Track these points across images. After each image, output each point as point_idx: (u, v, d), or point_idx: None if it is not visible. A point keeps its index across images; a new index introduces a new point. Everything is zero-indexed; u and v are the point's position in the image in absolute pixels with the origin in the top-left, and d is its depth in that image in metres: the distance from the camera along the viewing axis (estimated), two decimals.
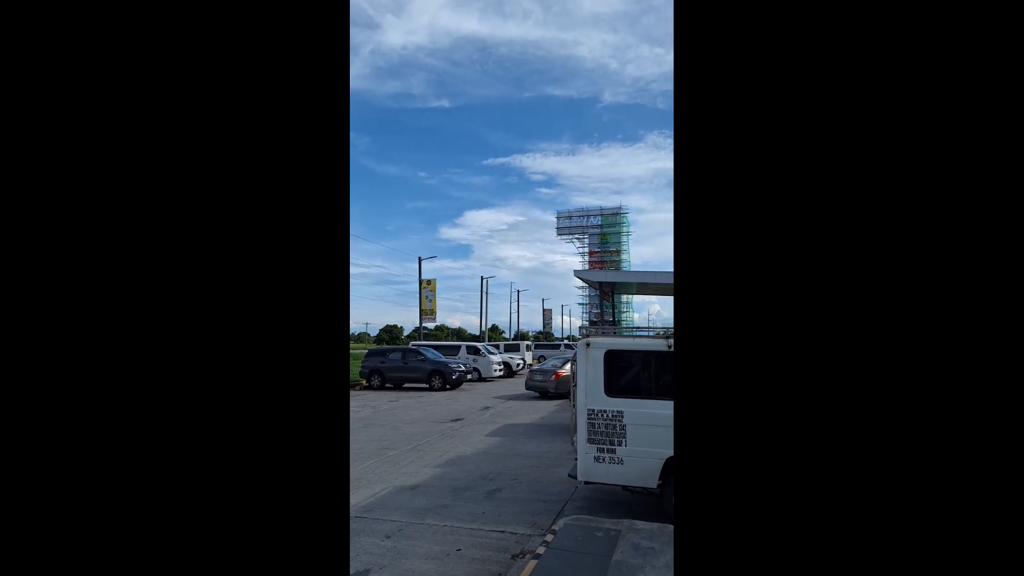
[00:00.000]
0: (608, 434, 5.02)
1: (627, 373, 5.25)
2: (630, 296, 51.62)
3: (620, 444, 4.98)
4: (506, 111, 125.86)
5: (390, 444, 8.66)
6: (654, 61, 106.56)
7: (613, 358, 5.17)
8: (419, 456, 7.79)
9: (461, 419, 11.35)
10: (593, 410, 5.07)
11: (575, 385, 5.28)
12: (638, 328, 6.72)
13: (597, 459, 5.04)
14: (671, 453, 4.84)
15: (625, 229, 55.68)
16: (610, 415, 5.03)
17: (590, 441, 5.06)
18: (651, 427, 4.90)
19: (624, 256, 54.97)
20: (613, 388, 5.10)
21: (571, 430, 5.35)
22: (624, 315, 52.27)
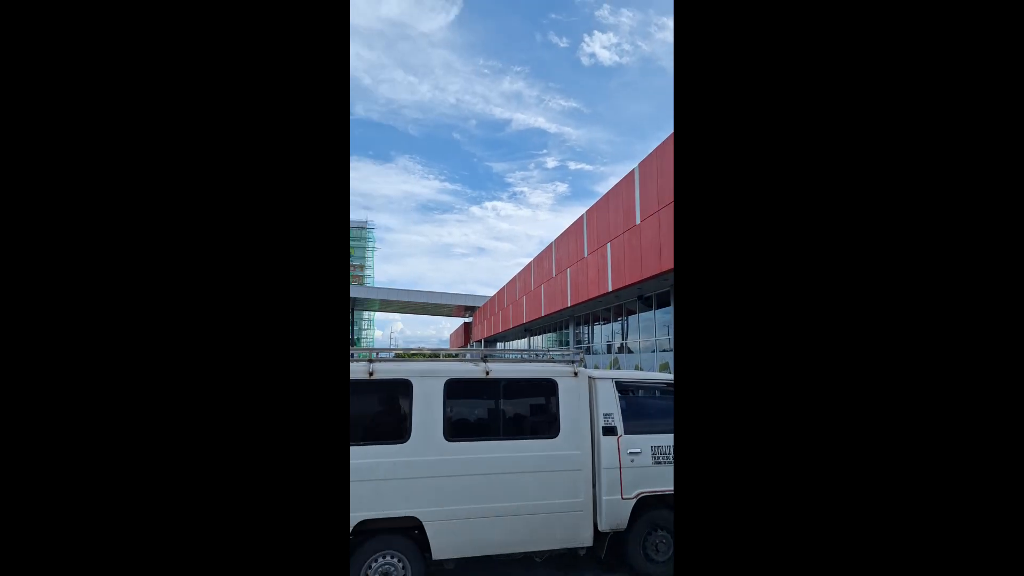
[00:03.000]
0: None
1: None
2: (372, 313, 50.05)
3: None
4: None
5: None
6: (407, 88, 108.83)
7: None
8: None
9: None
10: None
11: None
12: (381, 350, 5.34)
13: None
14: (365, 515, 3.60)
15: (371, 245, 54.15)
16: None
17: None
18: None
19: (368, 272, 53.24)
20: None
21: None
22: (365, 332, 50.34)
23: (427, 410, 3.77)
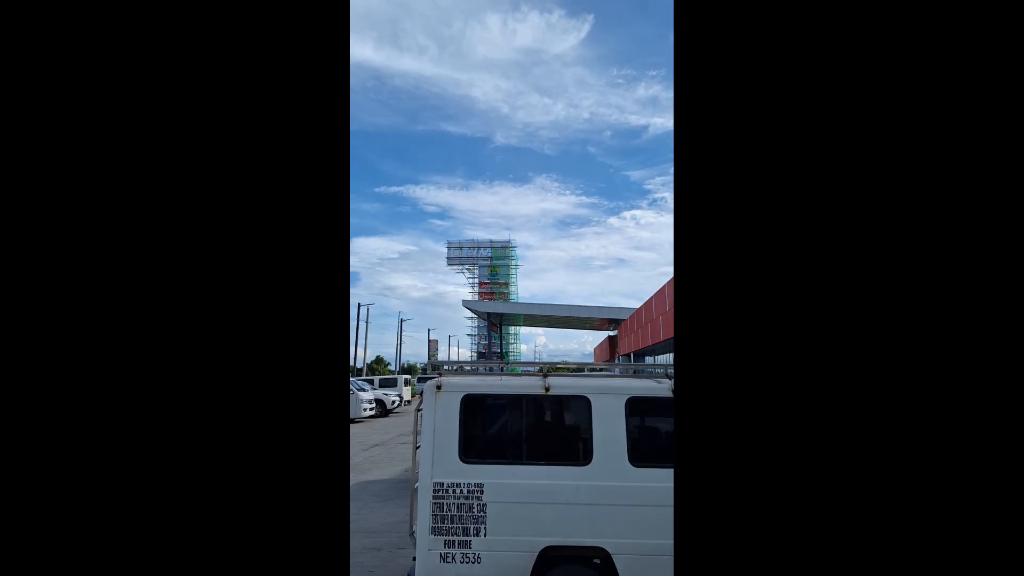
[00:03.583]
0: (462, 519, 3.44)
1: (493, 428, 3.76)
2: (518, 328, 51.43)
3: (478, 533, 3.42)
4: (399, 141, 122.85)
5: None
6: (542, 110, 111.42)
7: (474, 406, 3.64)
8: None
9: None
10: (442, 484, 3.47)
11: (417, 447, 3.67)
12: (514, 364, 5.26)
13: (444, 557, 3.42)
14: (550, 540, 3.39)
15: (514, 262, 55.98)
16: (465, 490, 3.47)
17: (435, 531, 3.44)
18: (522, 505, 3.42)
19: (512, 288, 54.99)
20: (472, 450, 3.56)
21: (411, 515, 3.70)
22: (512, 346, 51.89)
23: (608, 430, 3.47)
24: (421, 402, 3.68)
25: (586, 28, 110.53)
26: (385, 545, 5.34)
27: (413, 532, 3.56)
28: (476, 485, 3.44)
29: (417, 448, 3.64)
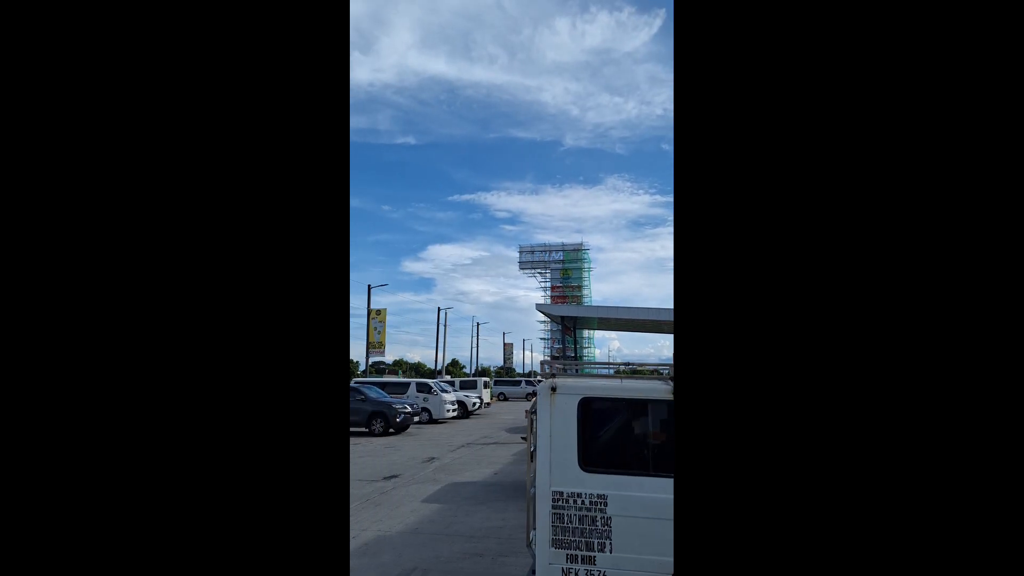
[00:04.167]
0: (584, 532, 3.19)
1: (614, 434, 3.48)
2: (591, 332, 50.55)
3: (602, 548, 3.15)
4: (472, 150, 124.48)
5: None
6: (613, 109, 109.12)
7: (593, 411, 3.38)
8: None
9: (396, 476, 9.23)
10: (561, 494, 3.23)
11: (533, 449, 3.46)
12: (613, 365, 4.93)
13: (567, 573, 3.18)
14: None
15: (586, 265, 55.17)
16: (587, 501, 3.21)
17: (556, 544, 3.21)
18: (651, 520, 3.11)
19: (585, 292, 54.17)
20: (593, 458, 3.30)
21: (527, 523, 3.49)
22: (585, 350, 51.09)
23: None
24: (534, 404, 3.47)
25: (657, 23, 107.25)
26: (487, 551, 5.20)
27: (531, 543, 3.35)
28: (599, 496, 3.17)
29: (532, 452, 3.43)
